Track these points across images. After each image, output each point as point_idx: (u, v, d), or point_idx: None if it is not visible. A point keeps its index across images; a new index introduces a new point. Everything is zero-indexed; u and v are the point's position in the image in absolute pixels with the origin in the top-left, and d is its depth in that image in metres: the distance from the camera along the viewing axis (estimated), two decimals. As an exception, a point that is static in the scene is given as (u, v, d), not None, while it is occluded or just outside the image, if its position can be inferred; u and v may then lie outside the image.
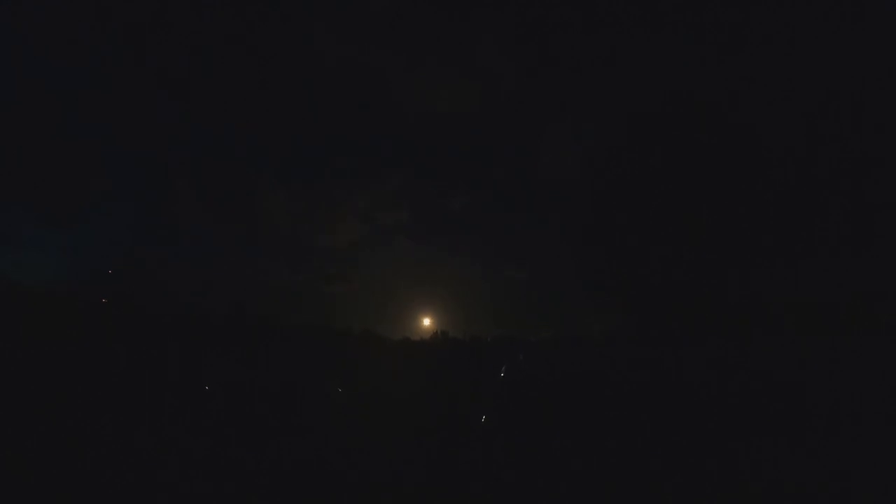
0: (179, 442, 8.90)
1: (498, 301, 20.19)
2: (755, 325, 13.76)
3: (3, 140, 18.97)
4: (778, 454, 7.95)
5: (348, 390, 14.68)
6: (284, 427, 10.50)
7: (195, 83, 20.55)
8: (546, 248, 20.25)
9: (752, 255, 15.24)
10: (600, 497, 7.08)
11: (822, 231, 14.24)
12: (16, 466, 7.33)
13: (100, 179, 20.63)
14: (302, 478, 7.57)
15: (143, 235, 21.13)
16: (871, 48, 14.25)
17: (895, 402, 8.40)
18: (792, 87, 15.39)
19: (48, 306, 15.99)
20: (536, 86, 20.60)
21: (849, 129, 14.54)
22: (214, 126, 21.33)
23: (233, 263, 21.08)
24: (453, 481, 7.56)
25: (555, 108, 20.54)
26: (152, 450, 8.36)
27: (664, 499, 6.92)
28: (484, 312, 19.45)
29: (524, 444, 9.35)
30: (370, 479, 7.49)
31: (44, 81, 20.13)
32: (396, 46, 20.95)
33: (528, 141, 21.43)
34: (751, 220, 15.56)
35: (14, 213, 19.80)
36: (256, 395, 12.91)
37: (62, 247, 20.30)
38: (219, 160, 21.82)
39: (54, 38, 19.46)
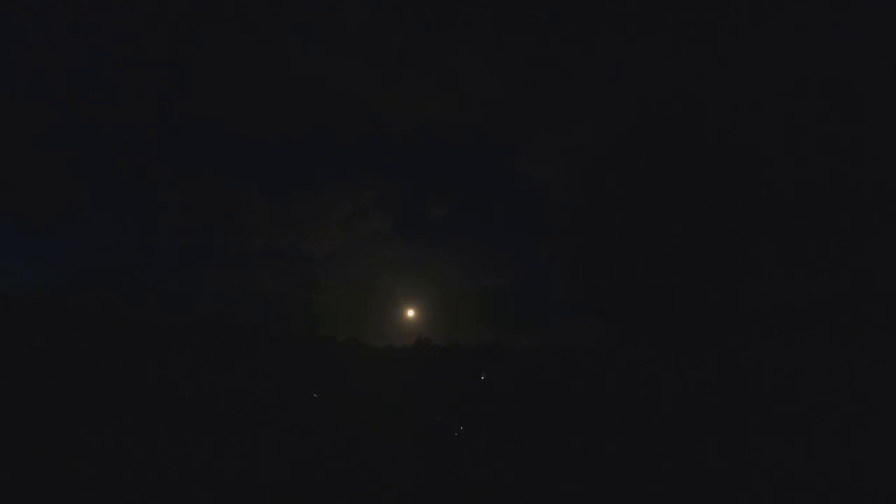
0: (161, 448, 8.82)
1: (481, 308, 19.95)
2: (740, 330, 13.14)
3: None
4: (773, 457, 7.46)
5: (330, 397, 14.49)
6: (267, 433, 10.42)
7: (182, 92, 20.92)
8: (529, 255, 20.08)
9: (741, 258, 14.68)
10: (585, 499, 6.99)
11: (820, 232, 13.67)
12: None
13: (84, 184, 20.82)
14: (284, 482, 7.58)
15: (127, 242, 21.18)
16: (870, 48, 14.02)
17: (895, 401, 7.75)
18: (791, 87, 15.14)
19: (30, 313, 15.94)
20: (517, 93, 20.73)
21: (847, 130, 14.15)
22: (200, 134, 21.68)
23: (216, 270, 21.05)
24: (436, 484, 7.55)
25: (538, 114, 20.59)
26: (135, 456, 8.30)
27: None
28: (467, 319, 19.21)
29: (507, 448, 9.40)
30: (353, 482, 7.57)
31: (43, 81, 20.49)
32: (377, 57, 21.35)
33: (511, 148, 21.49)
34: (743, 224, 15.06)
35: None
36: (239, 402, 12.83)
37: (45, 253, 20.39)
38: (202, 168, 22.12)
39: (54, 38, 19.92)
